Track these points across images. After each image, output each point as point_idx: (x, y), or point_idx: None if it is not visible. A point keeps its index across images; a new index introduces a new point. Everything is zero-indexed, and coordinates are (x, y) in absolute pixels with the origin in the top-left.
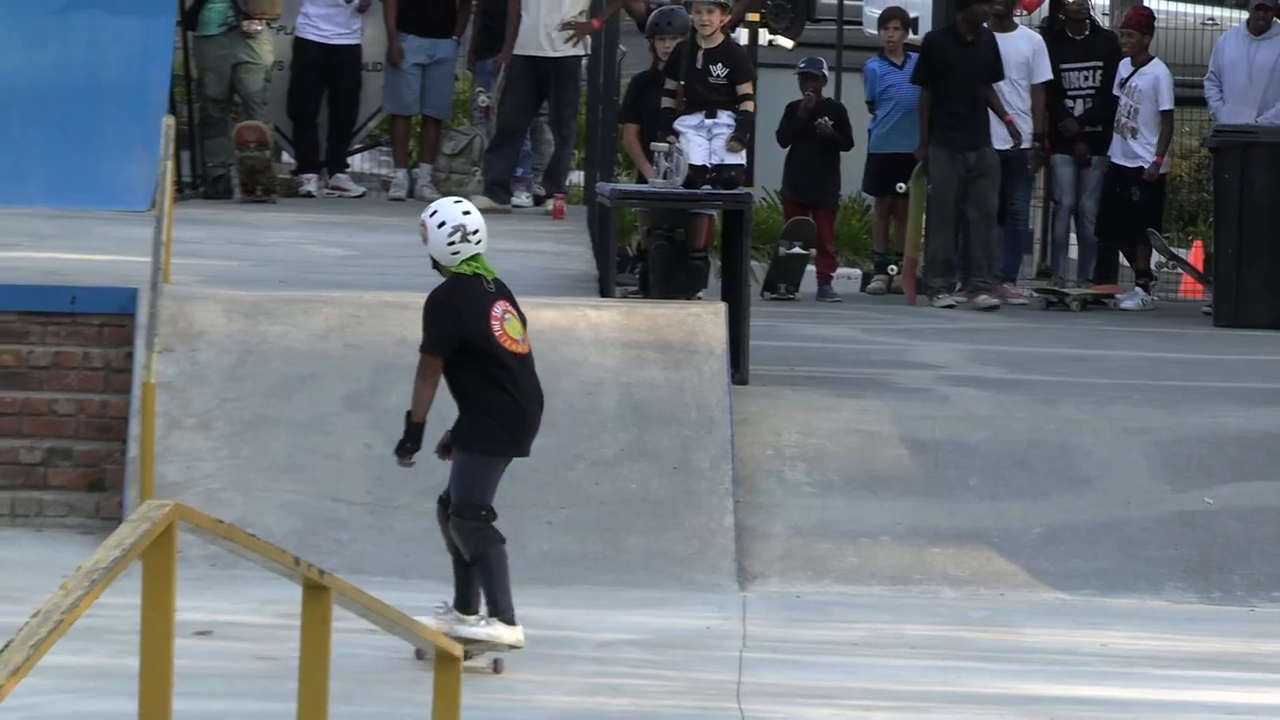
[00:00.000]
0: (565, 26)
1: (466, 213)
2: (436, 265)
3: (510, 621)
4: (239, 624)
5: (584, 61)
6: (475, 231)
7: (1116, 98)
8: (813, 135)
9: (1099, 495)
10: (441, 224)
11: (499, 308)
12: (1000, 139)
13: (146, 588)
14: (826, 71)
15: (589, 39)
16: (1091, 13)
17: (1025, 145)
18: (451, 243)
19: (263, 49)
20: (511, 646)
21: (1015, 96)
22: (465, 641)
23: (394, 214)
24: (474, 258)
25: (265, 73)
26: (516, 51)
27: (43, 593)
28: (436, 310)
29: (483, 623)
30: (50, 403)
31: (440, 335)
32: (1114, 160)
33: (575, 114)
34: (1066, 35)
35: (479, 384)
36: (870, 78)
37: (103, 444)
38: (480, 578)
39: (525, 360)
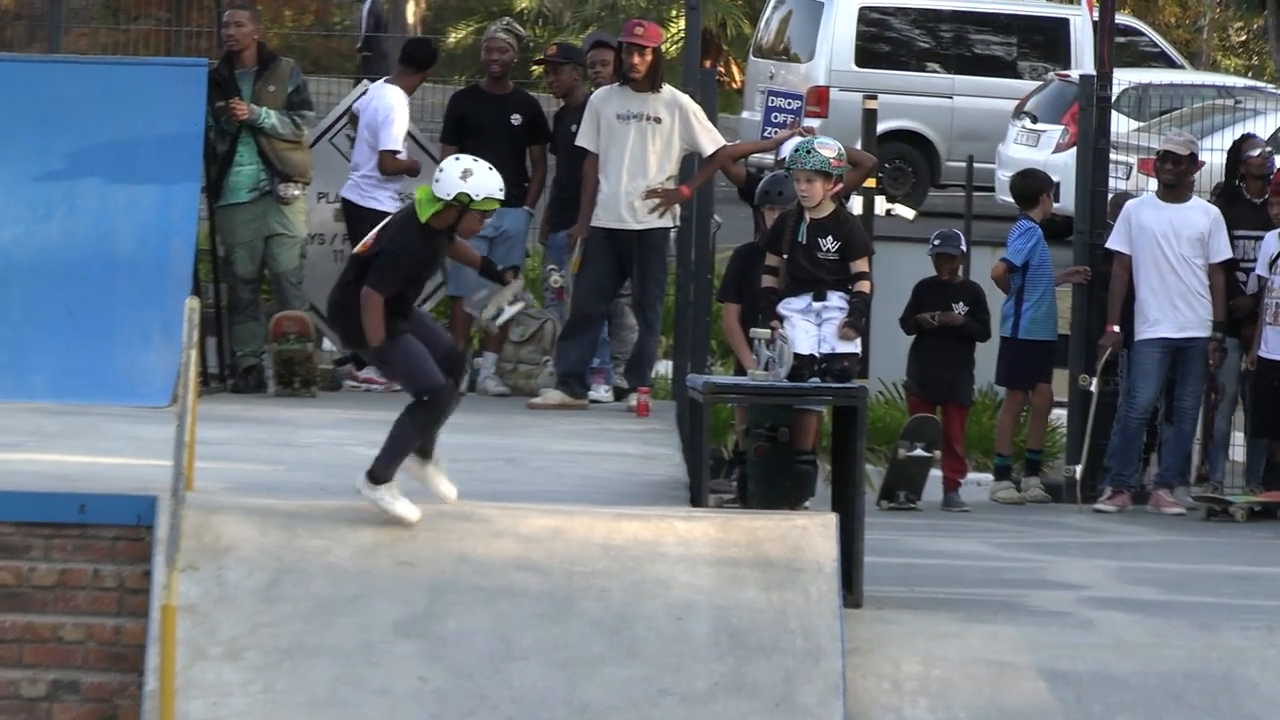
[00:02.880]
0: (650, 195)
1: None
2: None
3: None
4: None
5: (672, 234)
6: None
7: (1264, 278)
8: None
9: None
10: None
11: None
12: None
13: None
14: (964, 248)
15: (678, 208)
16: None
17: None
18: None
19: (298, 219)
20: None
21: (1191, 277)
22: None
23: (462, 408)
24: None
25: (301, 248)
26: (594, 224)
27: None
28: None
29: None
30: (55, 628)
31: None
32: (1263, 355)
33: (662, 295)
34: (1243, 196)
35: None
36: (1023, 247)
37: (116, 675)
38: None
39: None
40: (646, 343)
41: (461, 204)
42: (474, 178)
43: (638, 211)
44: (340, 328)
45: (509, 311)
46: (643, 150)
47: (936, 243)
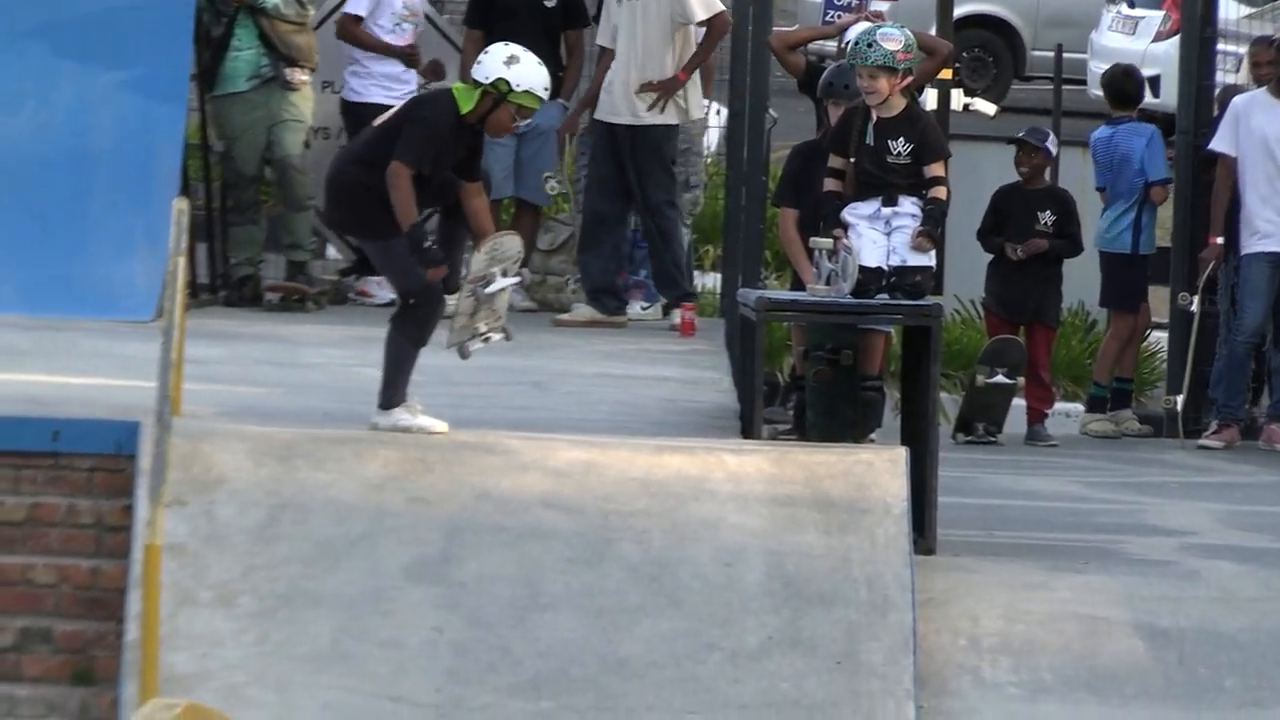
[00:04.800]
0: (645, 88)
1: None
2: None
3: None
4: None
5: (676, 132)
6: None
7: None
8: (1029, 234)
9: None
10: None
11: None
12: None
13: None
14: (1053, 146)
15: (685, 102)
16: None
17: None
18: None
19: (304, 106)
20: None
21: None
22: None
23: None
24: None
25: (306, 135)
26: (595, 117)
27: None
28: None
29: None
30: (24, 569)
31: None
32: None
33: (671, 198)
34: None
35: None
36: (1107, 152)
37: (93, 624)
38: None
39: None
40: (662, 254)
41: (499, 92)
42: (519, 66)
43: (635, 105)
44: (340, 213)
45: (501, 283)
46: (634, 33)
47: (1022, 132)
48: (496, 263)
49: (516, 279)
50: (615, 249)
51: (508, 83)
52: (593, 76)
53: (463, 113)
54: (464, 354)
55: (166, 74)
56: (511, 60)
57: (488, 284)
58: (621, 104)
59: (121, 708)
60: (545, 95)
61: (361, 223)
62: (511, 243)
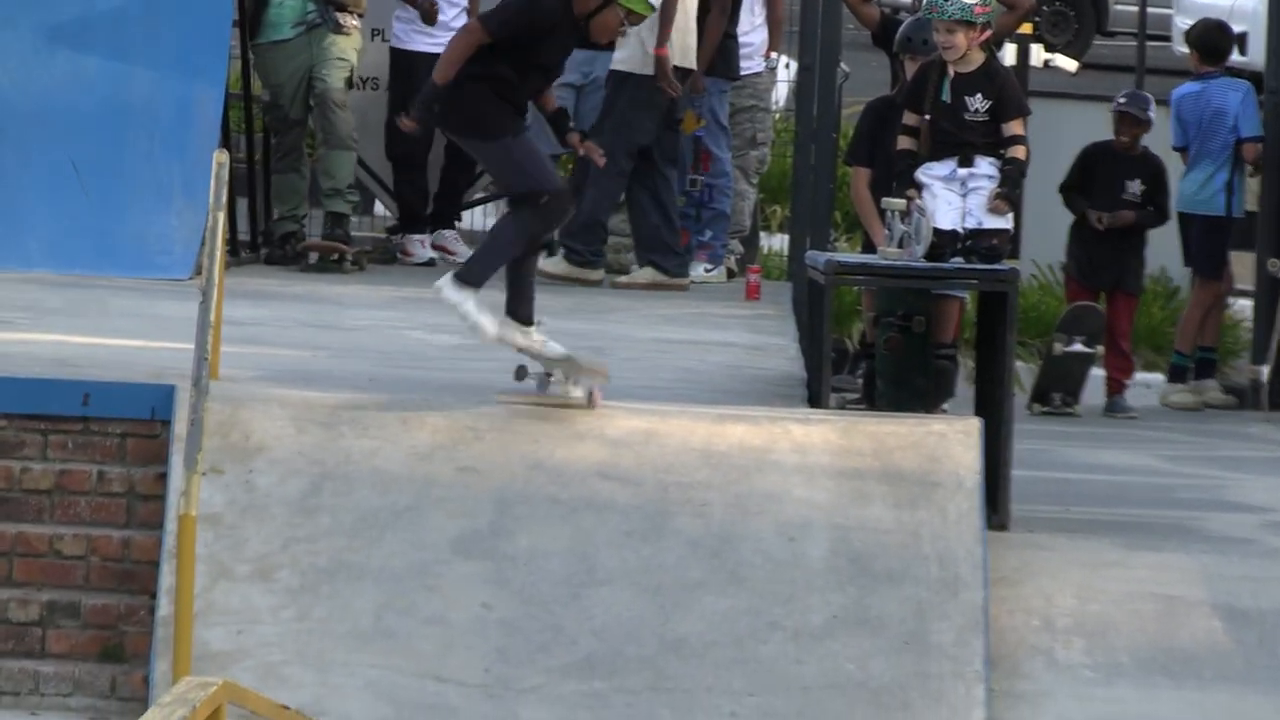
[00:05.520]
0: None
1: None
2: None
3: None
4: None
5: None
6: None
7: None
8: (1115, 201)
9: None
10: None
11: None
12: None
13: None
14: (1153, 113)
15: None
16: None
17: None
18: None
19: (350, 50)
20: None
21: None
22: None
23: None
24: None
25: (351, 73)
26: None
27: None
28: None
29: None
30: (52, 540)
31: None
32: None
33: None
34: None
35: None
36: (1195, 109)
37: (123, 598)
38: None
39: None
40: (584, 206)
41: None
42: None
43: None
44: (455, 116)
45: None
46: None
47: (1122, 100)
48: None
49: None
50: (657, 202)
51: None
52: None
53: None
54: (520, 376)
55: (207, 21)
56: None
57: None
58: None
59: (152, 686)
60: (657, 5)
61: (475, 120)
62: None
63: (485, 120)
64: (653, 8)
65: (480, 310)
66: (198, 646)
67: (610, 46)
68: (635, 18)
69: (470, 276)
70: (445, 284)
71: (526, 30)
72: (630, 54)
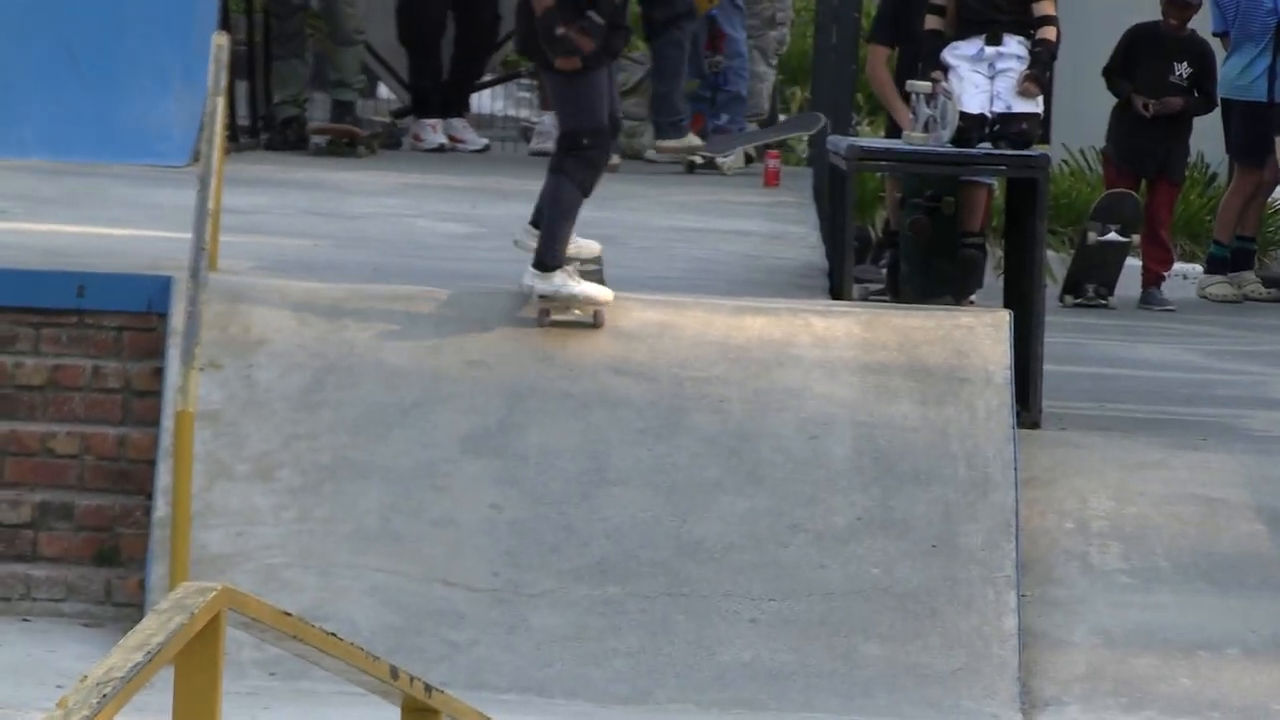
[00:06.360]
0: None
1: None
2: None
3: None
4: None
5: None
6: None
7: None
8: (1162, 85)
9: None
10: None
11: None
12: None
13: (180, 706)
14: None
15: None
16: None
17: None
18: None
19: None
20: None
21: None
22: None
23: (535, 174)
24: None
25: None
26: None
27: (30, 711)
28: None
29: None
30: (44, 437)
31: None
32: None
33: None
34: None
35: None
36: None
37: (118, 498)
38: None
39: None
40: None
41: None
42: None
43: None
44: (526, 33)
45: None
46: None
47: None
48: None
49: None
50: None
51: None
52: None
53: None
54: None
55: None
56: None
57: None
58: None
59: (149, 591)
60: None
61: (537, 43)
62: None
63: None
64: None
65: (581, 282)
66: (196, 549)
67: None
68: None
69: (550, 258)
70: (532, 279)
71: None
72: None
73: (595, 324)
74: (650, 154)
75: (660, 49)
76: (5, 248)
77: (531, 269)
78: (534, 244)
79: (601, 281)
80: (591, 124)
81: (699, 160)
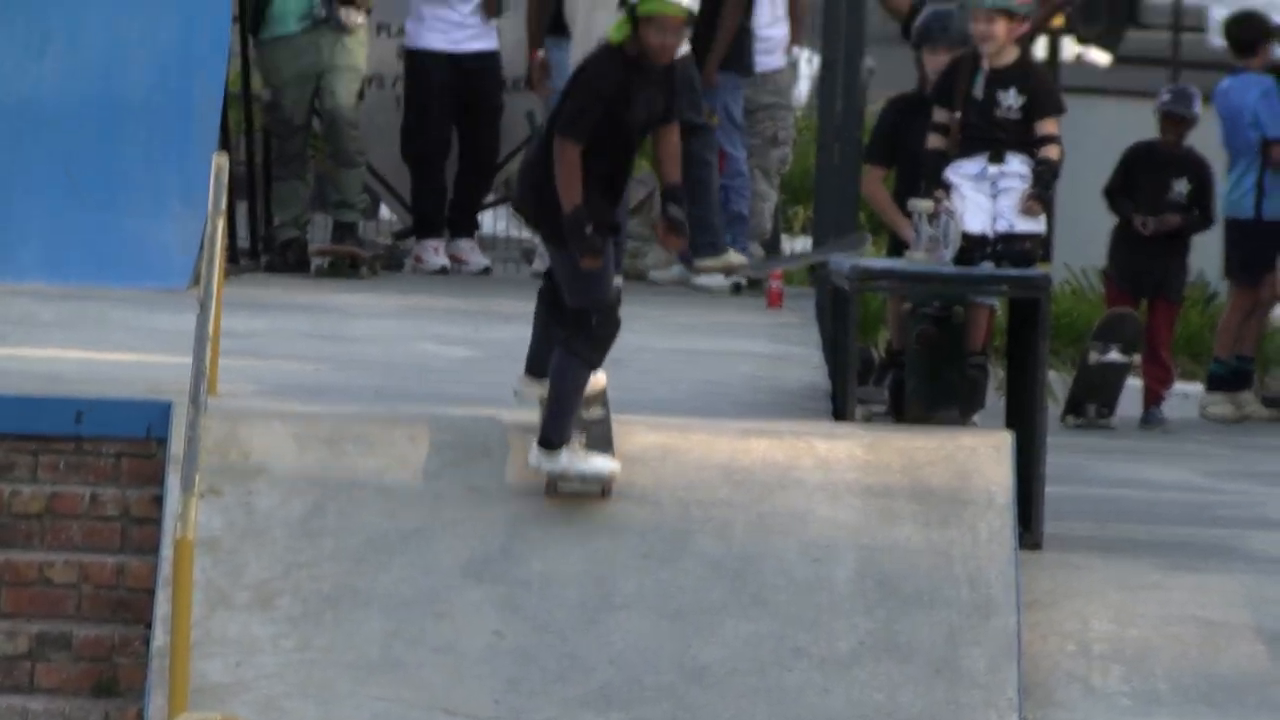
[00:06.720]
0: None
1: None
2: None
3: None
4: None
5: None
6: None
7: None
8: (1161, 203)
9: None
10: None
11: None
12: None
13: None
14: (1198, 109)
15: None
16: None
17: None
18: None
19: (358, 51)
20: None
21: None
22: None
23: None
24: None
25: (361, 85)
26: None
27: None
28: None
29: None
30: (42, 567)
31: None
32: None
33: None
34: None
35: None
36: (1230, 106)
37: (117, 628)
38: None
39: None
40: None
41: (631, 12)
42: None
43: None
44: (530, 204)
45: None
46: None
47: (1166, 98)
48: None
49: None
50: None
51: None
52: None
53: (616, 46)
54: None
55: (205, 15)
56: None
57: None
58: None
59: None
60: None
61: (548, 217)
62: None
63: (554, 217)
64: (674, 8)
65: (585, 458)
66: (195, 679)
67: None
68: (667, 23)
69: (555, 436)
70: (537, 458)
71: (604, 109)
72: None
73: (604, 494)
74: (692, 278)
75: (687, 171)
76: (3, 374)
77: (537, 447)
78: (532, 394)
79: (607, 414)
80: (601, 303)
81: (743, 282)
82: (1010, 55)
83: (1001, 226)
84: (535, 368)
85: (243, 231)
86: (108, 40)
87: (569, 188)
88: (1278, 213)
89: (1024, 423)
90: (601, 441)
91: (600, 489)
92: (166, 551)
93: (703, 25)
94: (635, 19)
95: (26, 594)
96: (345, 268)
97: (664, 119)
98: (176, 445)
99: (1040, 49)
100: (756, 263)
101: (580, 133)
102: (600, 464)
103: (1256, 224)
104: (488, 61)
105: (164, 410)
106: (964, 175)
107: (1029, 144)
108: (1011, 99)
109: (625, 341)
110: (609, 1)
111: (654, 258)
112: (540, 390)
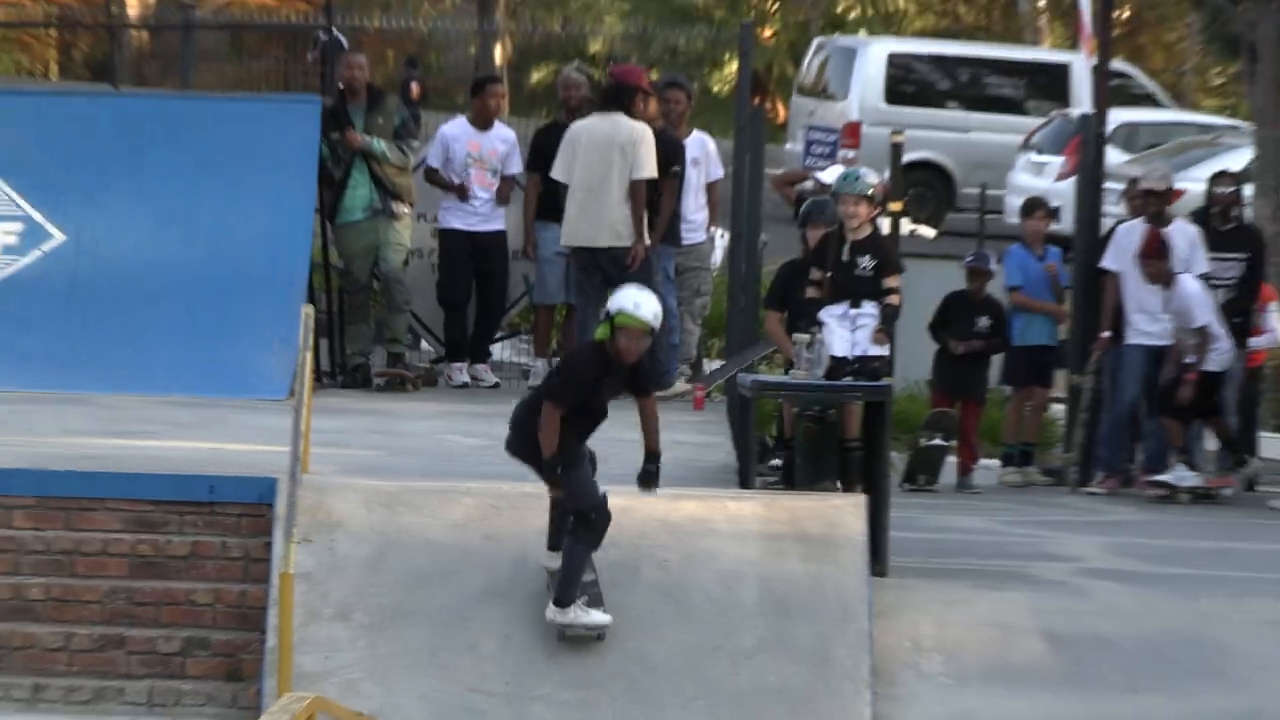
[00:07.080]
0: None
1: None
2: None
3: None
4: None
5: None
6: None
7: None
8: (969, 333)
9: (1237, 689)
10: None
11: None
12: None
13: None
14: (994, 266)
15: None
16: (1239, 205)
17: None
18: None
19: (405, 232)
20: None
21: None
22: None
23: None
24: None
25: (406, 254)
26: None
27: None
28: None
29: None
30: (188, 592)
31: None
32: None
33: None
34: (1211, 226)
35: None
36: (1014, 266)
37: (241, 634)
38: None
39: None
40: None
41: (610, 321)
42: (618, 293)
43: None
44: (520, 444)
45: None
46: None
47: (970, 259)
48: None
49: None
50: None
51: (608, 311)
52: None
53: (599, 343)
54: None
55: (296, 208)
56: (636, 304)
57: None
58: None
59: (263, 698)
60: (639, 311)
61: (534, 458)
62: None
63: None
64: (634, 317)
65: (589, 612)
66: (296, 669)
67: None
68: (632, 330)
69: (566, 597)
70: (554, 614)
71: (586, 391)
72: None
73: (599, 639)
74: None
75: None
76: (158, 459)
77: (552, 604)
78: (553, 564)
79: (596, 578)
80: (594, 504)
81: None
82: (866, 230)
83: (858, 352)
84: (554, 543)
85: (324, 360)
86: (218, 224)
87: (549, 442)
88: (1020, 338)
89: (874, 488)
90: (596, 600)
91: (598, 635)
92: (274, 581)
93: (649, 211)
94: (613, 326)
95: (178, 610)
96: (397, 385)
97: (641, 394)
98: (280, 508)
99: (885, 225)
100: (704, 377)
101: (564, 403)
102: (597, 616)
103: (1014, 347)
104: (497, 237)
105: (271, 484)
106: (832, 315)
107: (878, 294)
108: (866, 262)
109: (596, 434)
110: None
111: None
112: (554, 562)
